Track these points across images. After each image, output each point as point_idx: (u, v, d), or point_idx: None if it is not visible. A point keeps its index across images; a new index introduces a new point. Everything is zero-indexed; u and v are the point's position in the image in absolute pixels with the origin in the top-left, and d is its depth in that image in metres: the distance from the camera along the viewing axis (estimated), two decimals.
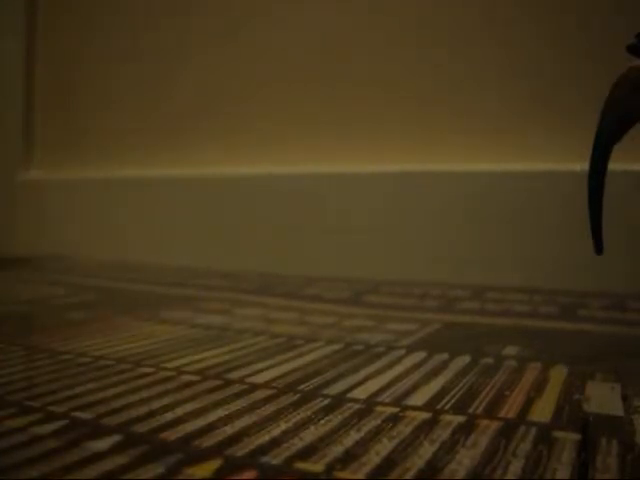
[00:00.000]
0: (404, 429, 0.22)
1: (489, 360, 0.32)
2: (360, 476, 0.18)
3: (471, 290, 0.58)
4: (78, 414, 0.23)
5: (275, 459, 0.19)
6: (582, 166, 0.58)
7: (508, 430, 0.22)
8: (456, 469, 0.18)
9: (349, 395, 0.26)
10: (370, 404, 0.25)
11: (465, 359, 0.32)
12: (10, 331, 0.38)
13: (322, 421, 0.22)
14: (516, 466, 0.18)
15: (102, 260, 0.86)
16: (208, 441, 0.20)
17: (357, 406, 0.24)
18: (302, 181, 0.72)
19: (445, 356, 0.33)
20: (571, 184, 0.59)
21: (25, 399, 0.25)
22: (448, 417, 0.23)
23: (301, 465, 0.19)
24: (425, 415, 0.23)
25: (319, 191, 0.71)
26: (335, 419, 0.23)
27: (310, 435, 0.21)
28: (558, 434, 0.21)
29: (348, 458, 0.19)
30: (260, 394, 0.26)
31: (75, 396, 0.25)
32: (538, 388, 0.27)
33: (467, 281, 0.63)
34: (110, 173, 0.90)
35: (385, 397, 0.26)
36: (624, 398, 0.25)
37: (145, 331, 0.39)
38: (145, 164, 0.89)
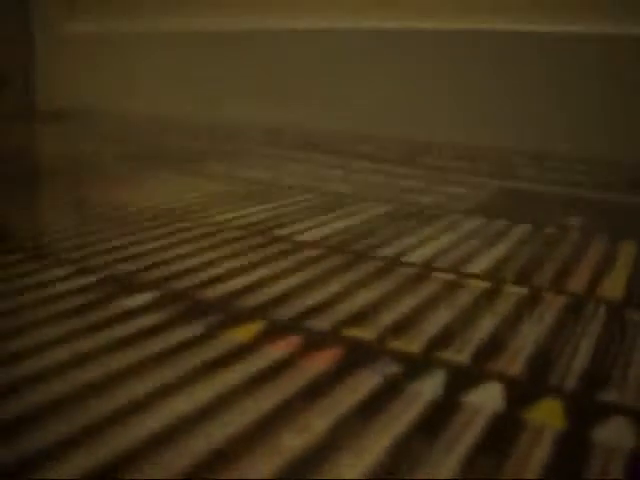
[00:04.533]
0: (463, 298, 0.20)
1: (551, 230, 0.30)
2: (414, 348, 0.16)
3: (528, 156, 0.55)
4: (117, 269, 0.22)
5: (322, 323, 0.18)
6: None
7: (575, 306, 0.20)
8: (522, 345, 0.17)
9: (403, 259, 0.24)
10: (426, 269, 0.23)
11: (526, 227, 0.30)
12: (57, 187, 0.37)
13: (374, 285, 0.21)
14: (586, 345, 0.17)
15: (142, 115, 0.84)
16: (251, 301, 0.19)
17: (412, 270, 0.23)
18: (355, 36, 0.67)
19: (504, 222, 0.31)
20: None
21: (61, 251, 0.24)
22: (510, 288, 0.21)
23: (350, 332, 0.17)
24: (485, 284, 0.21)
25: (377, 48, 0.66)
26: (388, 283, 0.21)
27: (361, 299, 0.20)
28: (631, 314, 0.19)
29: (401, 327, 0.18)
30: (308, 253, 0.24)
31: (112, 249, 0.24)
32: (606, 263, 0.25)
33: (525, 147, 0.59)
34: (155, 26, 0.86)
35: (442, 263, 0.24)
36: None
37: (189, 186, 0.37)
38: (191, 16, 0.84)
